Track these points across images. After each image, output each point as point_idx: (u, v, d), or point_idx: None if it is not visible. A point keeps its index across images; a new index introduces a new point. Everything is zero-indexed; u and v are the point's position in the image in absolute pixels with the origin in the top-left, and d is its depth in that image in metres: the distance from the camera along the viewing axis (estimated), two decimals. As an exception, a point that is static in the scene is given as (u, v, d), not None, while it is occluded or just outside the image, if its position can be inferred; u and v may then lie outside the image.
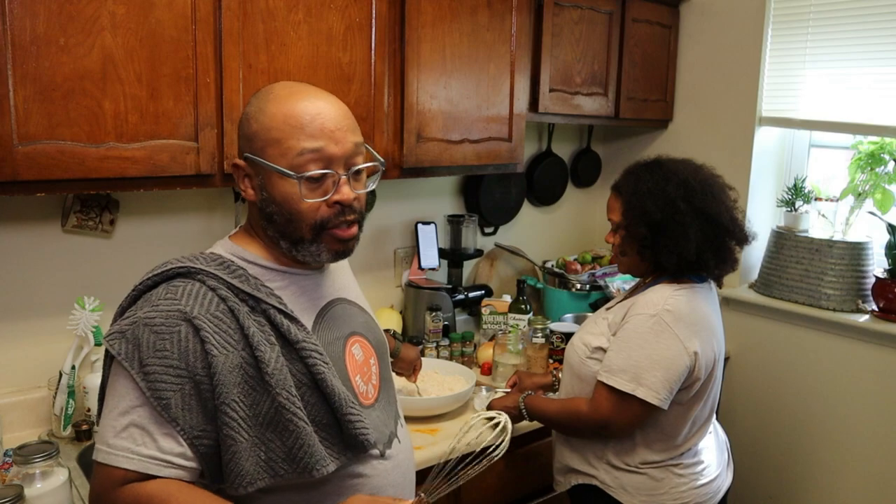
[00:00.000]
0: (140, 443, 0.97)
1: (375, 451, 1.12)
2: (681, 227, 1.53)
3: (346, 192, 1.07)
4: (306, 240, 1.08)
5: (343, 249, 1.11)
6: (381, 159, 1.14)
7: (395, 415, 1.24)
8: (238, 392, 1.00)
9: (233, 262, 1.09)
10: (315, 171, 1.04)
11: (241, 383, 1.00)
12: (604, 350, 1.58)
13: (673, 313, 1.51)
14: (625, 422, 1.52)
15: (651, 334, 1.50)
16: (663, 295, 1.55)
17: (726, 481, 1.69)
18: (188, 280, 1.05)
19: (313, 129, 1.04)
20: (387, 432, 1.17)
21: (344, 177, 1.07)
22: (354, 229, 1.11)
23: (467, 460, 1.16)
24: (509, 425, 1.30)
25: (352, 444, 1.08)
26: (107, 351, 1.04)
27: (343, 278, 1.26)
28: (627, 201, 1.60)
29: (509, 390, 1.92)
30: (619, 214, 1.63)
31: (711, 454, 1.66)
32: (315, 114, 1.05)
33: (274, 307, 1.06)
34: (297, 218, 1.06)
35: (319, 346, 1.08)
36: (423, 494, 1.07)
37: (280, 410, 1.01)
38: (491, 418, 1.39)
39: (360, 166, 1.09)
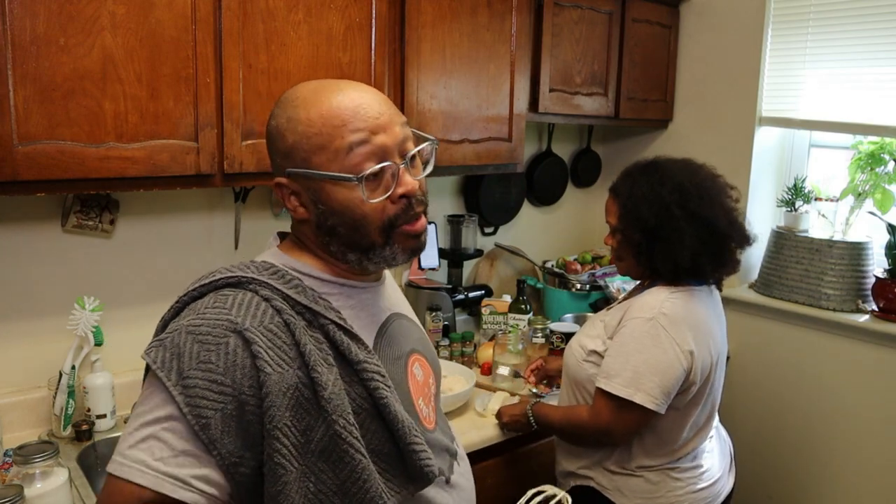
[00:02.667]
0: (158, 457, 0.84)
1: (441, 479, 1.03)
2: (676, 233, 1.52)
3: (409, 182, 0.96)
4: (378, 245, 0.97)
5: (417, 245, 1.01)
6: (431, 136, 1.03)
7: (450, 435, 1.15)
8: (290, 416, 0.88)
9: (287, 272, 0.98)
10: (373, 167, 0.93)
11: (294, 406, 0.88)
12: (599, 353, 1.57)
13: (669, 317, 1.50)
14: (625, 429, 1.52)
15: (648, 338, 1.49)
16: (659, 298, 1.53)
17: (727, 486, 1.68)
18: (238, 290, 0.94)
19: (357, 123, 0.93)
20: (447, 456, 1.09)
21: (402, 166, 0.96)
22: (423, 220, 1.00)
23: None
24: (569, 501, 1.28)
25: (415, 476, 0.97)
26: (146, 366, 0.91)
27: (393, 290, 1.15)
28: (623, 205, 1.59)
29: (514, 398, 1.92)
30: (616, 218, 1.62)
31: (712, 458, 1.65)
32: (354, 106, 0.94)
33: (333, 322, 0.95)
34: (363, 223, 0.95)
35: (382, 368, 0.96)
36: None
37: (335, 439, 0.90)
38: (547, 496, 1.32)
39: (414, 150, 0.98)
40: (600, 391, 1.52)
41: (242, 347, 0.88)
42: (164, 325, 0.96)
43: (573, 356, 1.64)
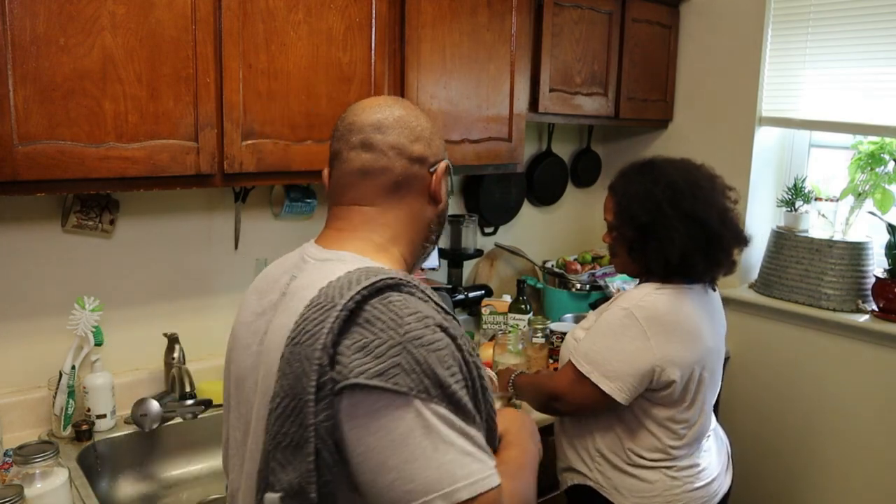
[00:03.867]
0: (488, 457, 0.84)
1: None
2: (667, 231, 1.53)
3: None
4: (435, 242, 1.07)
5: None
6: None
7: None
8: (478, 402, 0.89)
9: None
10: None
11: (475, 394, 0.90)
12: None
13: (646, 310, 1.53)
14: (576, 400, 1.57)
15: (619, 327, 1.53)
16: (642, 292, 1.57)
17: (724, 485, 1.68)
18: (402, 293, 0.87)
19: None
20: None
21: None
22: None
23: None
24: None
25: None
26: (377, 392, 0.80)
27: None
28: (618, 202, 1.62)
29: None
30: (612, 215, 1.65)
31: (709, 457, 1.65)
32: None
33: (456, 319, 0.93)
34: (445, 216, 1.08)
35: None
36: None
37: (489, 423, 0.92)
38: None
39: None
40: (569, 362, 1.59)
41: (453, 344, 0.86)
42: (335, 341, 0.82)
43: (567, 348, 1.68)
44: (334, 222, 1.02)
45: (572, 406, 1.59)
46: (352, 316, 0.83)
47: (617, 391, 1.51)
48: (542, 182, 2.82)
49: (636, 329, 1.51)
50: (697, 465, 1.61)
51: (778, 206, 2.57)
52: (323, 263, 0.95)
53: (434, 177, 1.02)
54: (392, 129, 1.00)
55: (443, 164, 1.04)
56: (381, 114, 1.01)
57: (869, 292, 2.32)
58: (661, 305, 1.54)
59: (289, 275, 0.99)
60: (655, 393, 1.54)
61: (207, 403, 1.78)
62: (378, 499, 0.80)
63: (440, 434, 0.80)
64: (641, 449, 1.57)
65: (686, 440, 1.58)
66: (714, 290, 1.67)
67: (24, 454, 1.31)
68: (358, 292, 0.83)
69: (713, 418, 1.72)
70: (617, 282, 2.53)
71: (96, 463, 1.67)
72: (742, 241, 1.62)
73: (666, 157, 1.66)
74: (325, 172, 1.06)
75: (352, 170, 1.00)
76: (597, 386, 1.52)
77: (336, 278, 0.87)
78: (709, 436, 1.68)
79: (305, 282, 0.93)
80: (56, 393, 1.69)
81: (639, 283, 1.65)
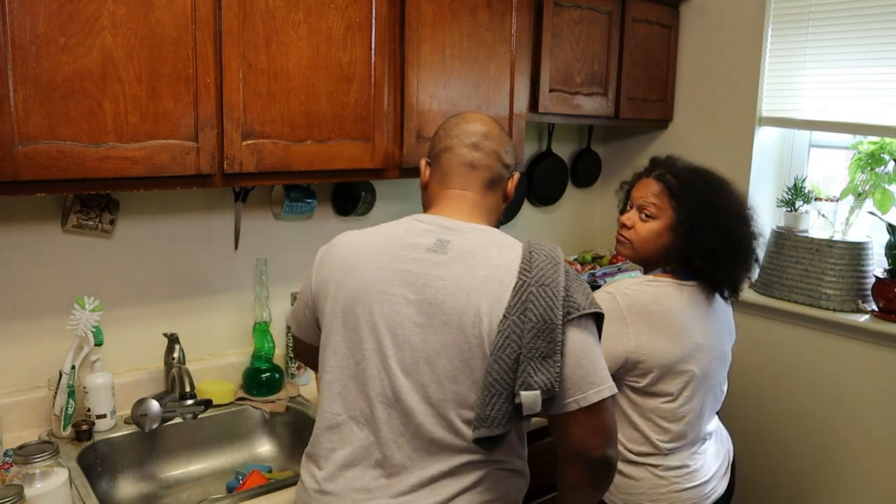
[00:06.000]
0: None
1: None
2: (730, 255, 1.61)
3: None
4: None
5: None
6: None
7: None
8: None
9: None
10: None
11: None
12: None
13: (630, 297, 1.55)
14: None
15: None
16: (631, 281, 1.60)
17: (718, 488, 1.67)
18: None
19: None
20: None
21: None
22: None
23: None
24: None
25: None
26: (592, 317, 1.21)
27: None
28: (687, 216, 1.61)
29: None
30: (670, 218, 1.64)
31: (703, 459, 1.64)
32: None
33: None
34: None
35: None
36: None
37: None
38: None
39: None
40: None
41: None
42: (566, 287, 1.18)
43: None
44: (449, 202, 1.31)
45: None
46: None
47: None
48: (542, 182, 2.82)
49: (616, 314, 1.53)
50: (688, 466, 1.60)
51: (778, 206, 2.57)
52: (471, 231, 1.24)
53: (511, 181, 1.38)
54: (495, 139, 1.33)
55: (517, 174, 1.39)
56: (487, 127, 1.34)
57: (869, 292, 2.32)
58: (646, 296, 1.56)
59: (433, 238, 1.23)
60: (635, 381, 1.56)
61: (207, 403, 1.78)
62: (568, 383, 1.16)
63: (604, 346, 1.25)
64: (626, 440, 1.58)
65: (671, 435, 1.58)
66: (725, 300, 1.71)
67: (24, 454, 1.31)
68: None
69: (714, 421, 1.71)
70: (617, 282, 2.53)
71: (96, 463, 1.67)
72: (754, 262, 1.71)
73: (715, 172, 1.70)
74: (423, 162, 1.38)
75: (463, 162, 1.31)
76: None
77: (527, 242, 1.22)
78: (706, 438, 1.67)
79: (471, 244, 1.21)
80: (56, 393, 1.69)
81: (637, 275, 1.68)
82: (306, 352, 1.45)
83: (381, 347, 1.20)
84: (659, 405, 1.57)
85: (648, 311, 1.54)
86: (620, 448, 1.58)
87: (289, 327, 2.06)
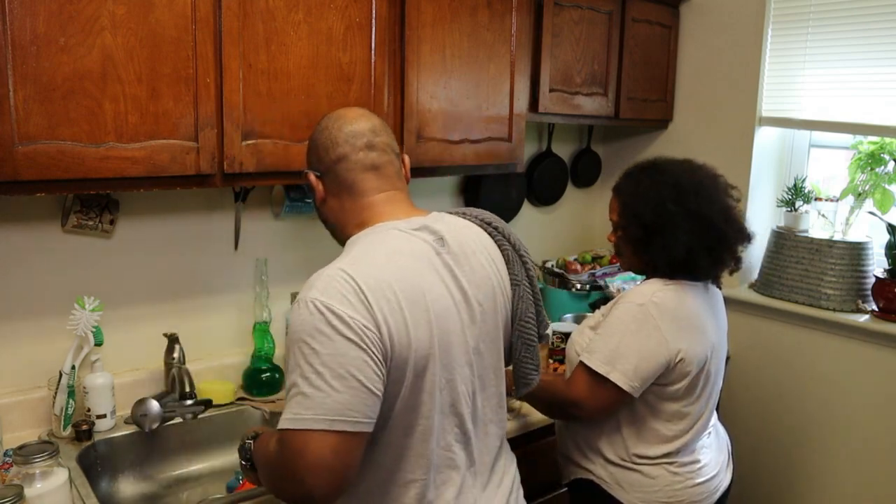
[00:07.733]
0: None
1: None
2: (671, 229, 1.56)
3: None
4: None
5: None
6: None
7: None
8: None
9: None
10: None
11: None
12: None
13: (659, 306, 1.54)
14: (596, 405, 1.55)
15: (634, 323, 1.53)
16: (652, 288, 1.58)
17: (724, 481, 1.69)
18: None
19: None
20: None
21: None
22: None
23: None
24: None
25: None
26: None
27: None
28: (623, 202, 1.65)
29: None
30: (617, 215, 1.67)
31: (710, 454, 1.66)
32: None
33: None
34: None
35: None
36: None
37: None
38: None
39: None
40: (581, 364, 1.57)
41: None
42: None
43: (573, 348, 1.67)
44: (389, 205, 1.25)
45: (593, 411, 1.56)
46: None
47: (636, 389, 1.52)
48: (542, 182, 2.82)
49: (651, 324, 1.52)
50: (698, 461, 1.61)
51: (778, 206, 2.57)
52: (439, 222, 1.25)
53: (405, 166, 1.33)
54: (381, 131, 1.27)
55: (406, 156, 1.36)
56: (369, 122, 1.26)
57: (869, 292, 2.32)
58: (669, 301, 1.56)
59: (430, 235, 1.20)
60: (666, 388, 1.55)
61: (207, 403, 1.78)
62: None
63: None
64: (645, 444, 1.58)
65: (689, 435, 1.59)
66: (719, 287, 1.69)
67: (24, 454, 1.31)
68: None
69: (715, 415, 1.72)
70: (617, 282, 2.53)
71: (96, 463, 1.67)
72: (746, 237, 1.64)
73: (668, 158, 1.68)
74: (312, 177, 1.27)
75: (365, 167, 1.24)
76: (616, 385, 1.51)
77: (457, 217, 1.34)
78: (709, 433, 1.68)
79: (455, 234, 1.24)
80: (56, 393, 1.69)
81: (644, 280, 1.66)
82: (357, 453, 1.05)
83: (469, 363, 1.19)
84: (682, 408, 1.58)
85: (678, 315, 1.55)
86: (639, 451, 1.58)
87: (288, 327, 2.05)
